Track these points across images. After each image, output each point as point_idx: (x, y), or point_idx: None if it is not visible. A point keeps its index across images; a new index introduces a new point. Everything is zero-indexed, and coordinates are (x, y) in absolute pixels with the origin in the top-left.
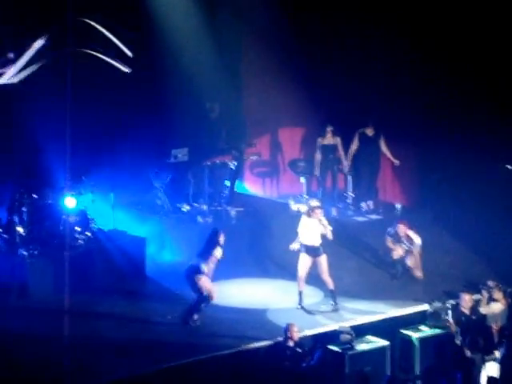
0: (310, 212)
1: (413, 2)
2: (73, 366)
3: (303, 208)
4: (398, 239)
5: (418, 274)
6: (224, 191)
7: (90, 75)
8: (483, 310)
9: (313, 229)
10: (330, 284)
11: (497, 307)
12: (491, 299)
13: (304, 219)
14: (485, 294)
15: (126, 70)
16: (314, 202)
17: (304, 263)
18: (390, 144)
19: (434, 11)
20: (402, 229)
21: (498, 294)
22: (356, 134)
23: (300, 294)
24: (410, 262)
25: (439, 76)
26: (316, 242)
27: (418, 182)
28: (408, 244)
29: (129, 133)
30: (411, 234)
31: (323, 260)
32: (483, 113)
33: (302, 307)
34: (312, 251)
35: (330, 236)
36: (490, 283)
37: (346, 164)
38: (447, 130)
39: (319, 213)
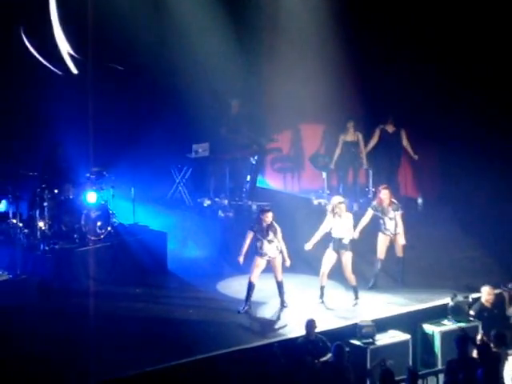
0: (335, 208)
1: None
2: (96, 359)
3: (329, 206)
4: (382, 211)
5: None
6: (245, 186)
7: (111, 71)
8: (509, 311)
9: (342, 224)
10: (353, 281)
11: None
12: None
13: (329, 217)
14: (506, 295)
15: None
16: (337, 198)
17: (329, 259)
18: (411, 140)
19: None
20: (388, 195)
21: None
22: (376, 130)
23: (322, 288)
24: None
25: (462, 76)
26: (347, 235)
27: (438, 178)
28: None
29: (150, 128)
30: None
31: (349, 256)
32: (505, 112)
33: (323, 302)
34: (340, 245)
35: (355, 233)
36: (510, 285)
37: (365, 159)
38: (469, 126)
39: (343, 208)
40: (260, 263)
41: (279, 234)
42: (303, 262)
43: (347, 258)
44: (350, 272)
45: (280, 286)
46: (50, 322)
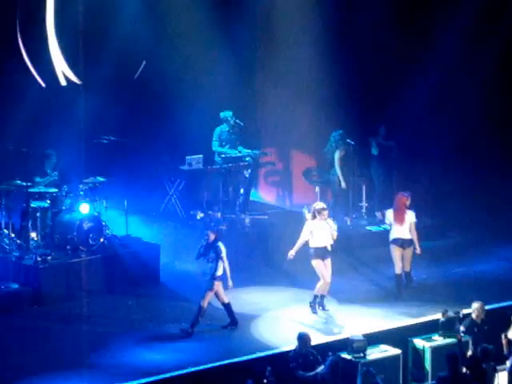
0: (317, 214)
1: None
2: (87, 368)
3: (309, 215)
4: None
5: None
6: (238, 199)
7: (103, 83)
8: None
9: (323, 231)
10: (327, 289)
11: None
12: None
13: (310, 224)
14: None
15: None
16: (320, 204)
17: (322, 267)
18: (403, 155)
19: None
20: (404, 200)
21: None
22: (371, 144)
23: (322, 297)
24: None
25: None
26: (328, 243)
27: (430, 193)
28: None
29: (143, 140)
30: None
31: (330, 263)
32: (496, 125)
33: (326, 311)
34: (323, 253)
35: (334, 237)
36: None
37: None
38: (461, 142)
39: (326, 214)
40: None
41: (223, 254)
42: (293, 276)
43: (329, 264)
44: (329, 281)
45: (228, 307)
46: (38, 332)
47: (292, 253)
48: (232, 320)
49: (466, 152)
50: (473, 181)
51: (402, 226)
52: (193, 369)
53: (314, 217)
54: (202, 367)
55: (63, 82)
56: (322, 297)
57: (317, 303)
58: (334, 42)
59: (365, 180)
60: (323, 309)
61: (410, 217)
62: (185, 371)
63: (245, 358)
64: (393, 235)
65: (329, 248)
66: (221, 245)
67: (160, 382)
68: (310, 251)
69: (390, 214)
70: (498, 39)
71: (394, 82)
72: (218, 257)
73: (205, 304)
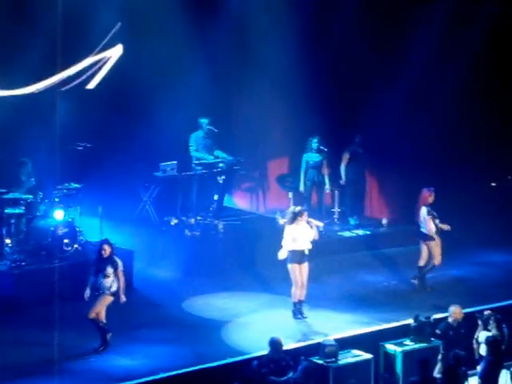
0: (298, 217)
1: None
2: (58, 375)
3: (282, 220)
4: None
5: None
6: (212, 205)
7: (79, 90)
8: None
9: (303, 234)
10: (304, 294)
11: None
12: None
13: (290, 228)
14: (479, 322)
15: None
16: (298, 207)
17: (296, 272)
18: (376, 161)
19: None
20: (430, 197)
21: (492, 325)
22: (346, 153)
23: (300, 303)
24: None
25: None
26: (307, 247)
27: (402, 198)
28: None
29: (118, 146)
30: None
31: (307, 267)
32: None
33: (304, 318)
34: (300, 257)
35: (316, 237)
36: (487, 312)
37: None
38: (436, 147)
39: (306, 215)
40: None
41: (119, 269)
42: (266, 282)
43: (306, 268)
44: (305, 286)
45: (99, 322)
46: (12, 338)
47: (284, 253)
48: (103, 340)
49: (440, 158)
50: (447, 187)
51: (419, 220)
52: (164, 374)
53: (293, 221)
54: (173, 373)
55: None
56: (300, 303)
57: (297, 309)
58: (308, 50)
59: (337, 186)
60: (301, 316)
61: (423, 212)
62: (156, 377)
63: (216, 363)
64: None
65: (306, 252)
66: (117, 259)
67: None
68: (288, 254)
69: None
70: (470, 45)
71: (368, 89)
72: (115, 271)
73: (103, 318)
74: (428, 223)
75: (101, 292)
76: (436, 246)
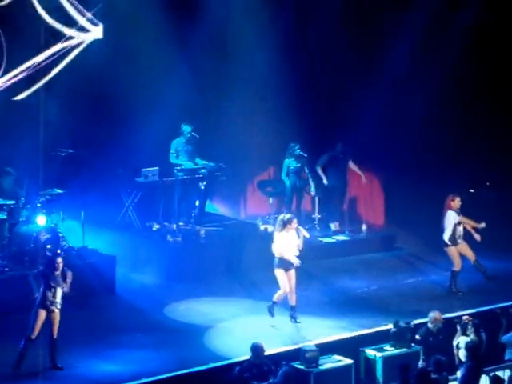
0: (288, 225)
1: None
2: (41, 380)
3: (270, 228)
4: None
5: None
6: (194, 211)
7: (64, 91)
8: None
9: (291, 242)
10: (294, 299)
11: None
12: (464, 333)
13: (279, 235)
14: (458, 327)
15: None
16: (287, 215)
17: (284, 277)
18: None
19: None
20: (453, 202)
21: (470, 330)
22: (325, 156)
23: (293, 308)
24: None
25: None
26: (295, 254)
27: (383, 204)
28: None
29: (100, 152)
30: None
31: (293, 274)
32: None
33: (298, 322)
34: (287, 264)
35: (300, 247)
36: (465, 317)
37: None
38: (414, 151)
39: (296, 222)
40: (43, 315)
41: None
42: (248, 287)
43: (294, 275)
44: (294, 291)
45: (54, 344)
46: None
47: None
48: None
49: (419, 164)
50: (426, 192)
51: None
52: (147, 379)
53: (283, 228)
54: (156, 378)
55: None
56: (293, 308)
57: (290, 315)
58: (287, 56)
59: (322, 191)
60: (294, 320)
61: (447, 217)
62: (139, 382)
63: (198, 368)
64: None
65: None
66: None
67: None
68: (275, 260)
69: None
70: (450, 51)
71: (348, 94)
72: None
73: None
74: (447, 229)
75: (54, 308)
76: (456, 252)
